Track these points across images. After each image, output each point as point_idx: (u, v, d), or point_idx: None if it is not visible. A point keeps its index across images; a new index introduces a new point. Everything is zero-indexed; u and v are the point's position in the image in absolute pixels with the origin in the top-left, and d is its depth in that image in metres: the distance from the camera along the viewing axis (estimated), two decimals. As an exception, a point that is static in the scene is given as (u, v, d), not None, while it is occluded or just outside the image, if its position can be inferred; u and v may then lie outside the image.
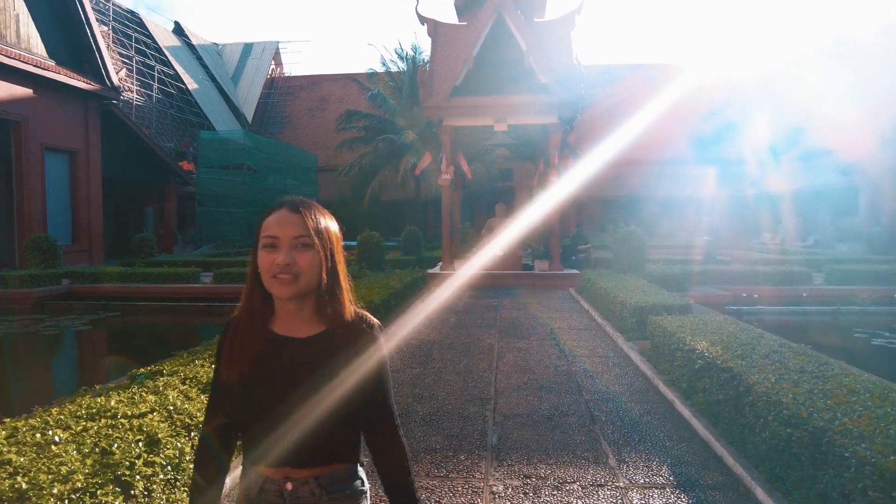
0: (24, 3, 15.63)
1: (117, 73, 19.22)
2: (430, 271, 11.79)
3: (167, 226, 23.50)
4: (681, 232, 23.29)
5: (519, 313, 8.52)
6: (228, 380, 1.20)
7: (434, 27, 12.65)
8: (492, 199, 21.16)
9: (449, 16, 15.10)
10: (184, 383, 3.50)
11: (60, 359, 7.96)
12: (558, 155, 11.56)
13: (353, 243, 22.43)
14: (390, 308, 7.63)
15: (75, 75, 16.82)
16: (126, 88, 26.77)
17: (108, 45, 26.89)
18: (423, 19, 12.74)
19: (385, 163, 23.86)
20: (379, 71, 26.36)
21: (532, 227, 12.59)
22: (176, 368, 3.71)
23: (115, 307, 10.44)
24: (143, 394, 3.25)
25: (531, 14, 12.31)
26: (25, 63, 14.95)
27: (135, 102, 25.88)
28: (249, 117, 35.16)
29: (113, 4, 28.55)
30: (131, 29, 28.70)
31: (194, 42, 34.80)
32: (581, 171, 12.10)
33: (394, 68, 26.13)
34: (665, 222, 25.29)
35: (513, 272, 12.21)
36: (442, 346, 6.36)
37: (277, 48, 38.99)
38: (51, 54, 16.42)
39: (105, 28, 27.48)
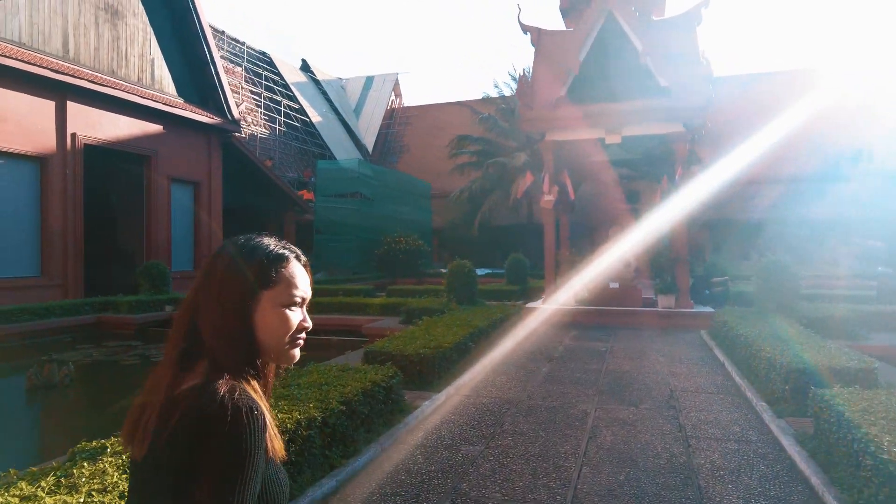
0: (159, 49, 16.87)
1: (238, 106, 20.26)
2: (528, 305, 10.41)
3: (285, 252, 24.29)
4: (840, 259, 19.58)
5: (631, 364, 6.89)
6: (268, 475, 0.96)
7: (537, 36, 11.48)
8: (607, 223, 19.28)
9: (557, 23, 13.87)
10: (126, 472, 2.58)
11: (107, 395, 7.59)
12: (684, 168, 9.74)
13: (481, 272, 21.74)
14: (466, 352, 6.43)
15: (200, 111, 17.83)
16: (254, 123, 28.60)
17: (241, 85, 29.02)
18: (525, 28, 11.63)
19: (495, 187, 22.90)
20: (492, 95, 25.71)
21: (654, 255, 10.79)
22: (122, 448, 2.81)
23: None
24: (62, 483, 2.38)
25: (648, 11, 10.70)
26: (157, 102, 16.02)
27: (259, 136, 27.44)
28: (370, 147, 36.17)
29: (247, 47, 30.85)
30: (261, 68, 30.77)
31: (319, 78, 36.70)
32: (712, 188, 10.12)
33: (506, 91, 25.37)
34: (818, 248, 21.51)
35: (629, 309, 10.45)
36: (520, 409, 5.02)
37: (397, 79, 40.02)
38: (179, 93, 17.56)
39: (239, 69, 29.73)
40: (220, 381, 0.92)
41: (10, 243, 13.00)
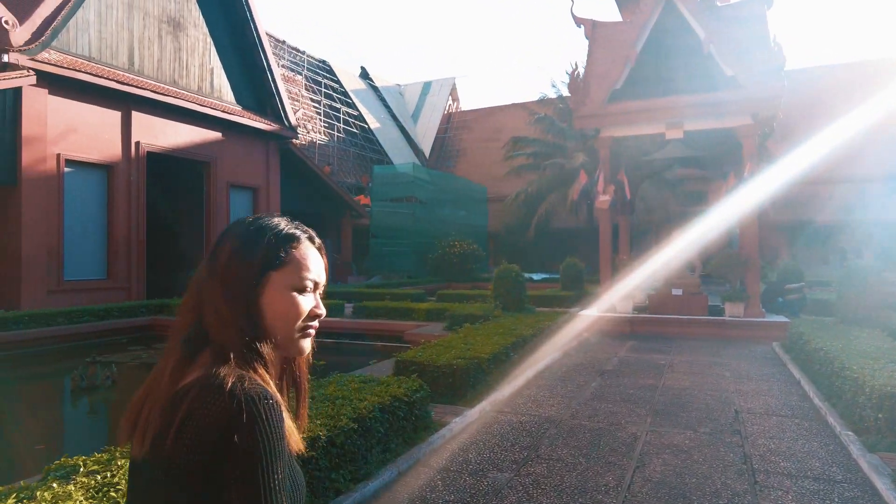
0: (218, 59, 17.35)
1: (294, 112, 20.58)
2: (581, 312, 9.79)
3: (342, 256, 24.54)
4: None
5: (692, 380, 6.23)
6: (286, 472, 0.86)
7: (591, 28, 10.88)
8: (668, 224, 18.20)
9: (613, 14, 13.14)
10: (95, 495, 2.34)
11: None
12: (753, 164, 8.88)
13: (537, 277, 21.21)
14: (506, 363, 5.98)
15: (258, 118, 18.22)
16: (313, 130, 29.15)
17: (301, 93, 29.67)
18: (579, 21, 11.06)
19: (552, 189, 22.23)
20: (550, 96, 25.05)
21: (720, 259, 9.95)
22: (98, 468, 2.57)
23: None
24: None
25: (713, -4, 9.90)
26: (216, 110, 16.46)
27: (318, 142, 27.91)
28: (427, 152, 36.22)
29: (307, 56, 31.53)
30: (321, 76, 31.35)
31: (378, 84, 37.09)
32: (785, 185, 9.19)
33: (564, 90, 24.61)
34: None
35: (693, 317, 9.64)
36: (560, 430, 4.54)
37: (454, 84, 39.92)
38: (238, 101, 17.99)
39: (299, 77, 30.42)
40: (226, 371, 0.84)
41: (82, 247, 13.61)
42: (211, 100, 16.83)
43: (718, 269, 10.03)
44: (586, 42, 11.04)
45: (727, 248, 10.43)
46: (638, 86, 9.48)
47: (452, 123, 38.72)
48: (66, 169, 13.08)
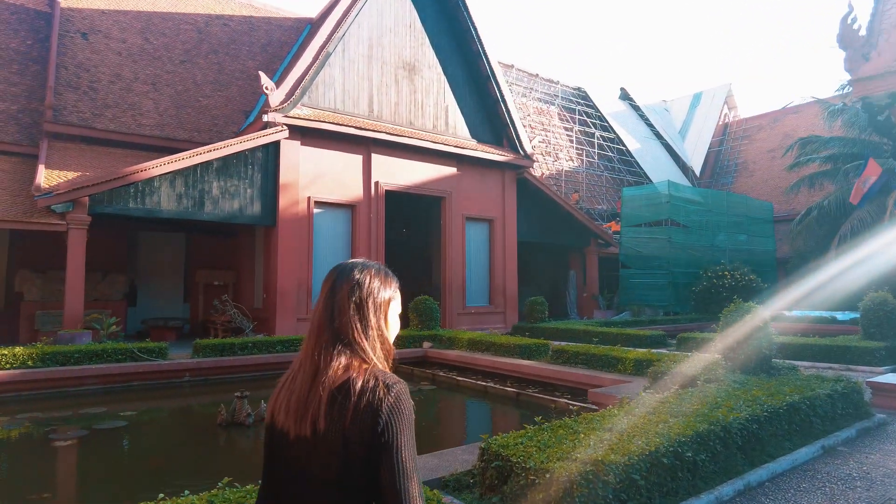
0: (452, 95, 17.83)
1: (531, 140, 19.88)
2: (878, 381, 6.34)
3: (588, 289, 22.70)
4: None
5: None
6: None
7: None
8: None
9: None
10: None
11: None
12: None
13: (842, 317, 16.17)
14: (680, 477, 3.75)
15: (492, 149, 18.07)
16: (566, 158, 28.20)
17: (553, 123, 29.13)
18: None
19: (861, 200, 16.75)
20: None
21: None
22: None
23: (452, 378, 9.60)
24: None
25: None
26: (449, 146, 16.82)
27: (564, 169, 26.81)
28: (698, 169, 32.05)
29: (562, 86, 31.00)
30: (575, 103, 30.41)
31: (639, 103, 34.51)
32: None
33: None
34: None
35: None
36: None
37: (729, 90, 34.74)
38: (472, 134, 18.15)
39: (553, 108, 30.00)
40: (376, 369, 1.27)
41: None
42: (445, 137, 17.27)
43: None
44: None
45: None
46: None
47: (729, 135, 33.54)
48: (315, 210, 14.63)
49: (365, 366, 1.24)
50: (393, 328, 1.36)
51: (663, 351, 9.28)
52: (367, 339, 1.27)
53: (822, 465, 4.29)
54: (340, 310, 1.27)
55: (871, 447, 4.85)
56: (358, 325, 1.27)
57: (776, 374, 6.15)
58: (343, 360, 1.23)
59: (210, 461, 5.59)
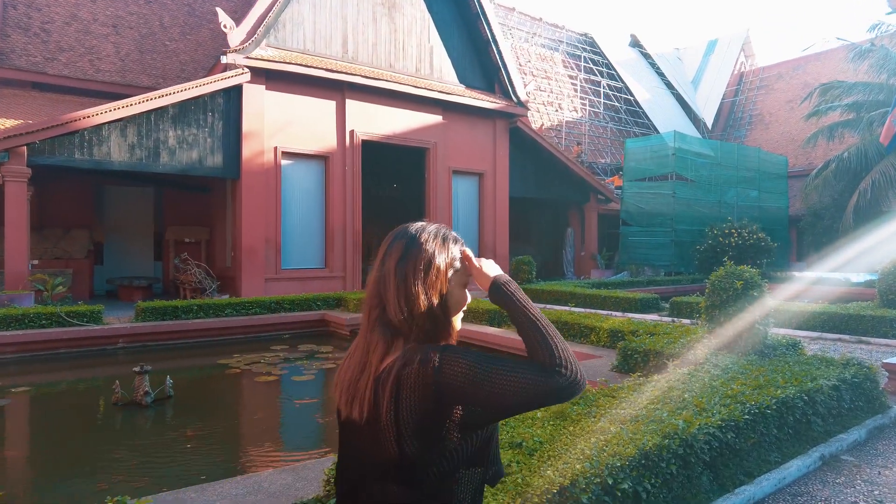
0: (438, 36, 16.32)
1: (525, 86, 18.38)
2: (893, 361, 5.30)
3: (587, 247, 21.53)
4: None
5: None
6: None
7: None
8: None
9: None
10: None
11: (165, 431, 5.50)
12: None
13: (858, 279, 14.89)
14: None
15: (481, 95, 16.67)
16: (569, 108, 26.55)
17: (557, 71, 27.36)
18: None
19: (883, 154, 15.29)
20: (884, 21, 17.46)
21: None
22: None
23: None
24: None
25: None
26: (433, 91, 15.44)
27: (567, 120, 25.25)
28: (710, 122, 30.24)
29: (567, 31, 29.03)
30: (580, 50, 28.52)
31: (650, 52, 32.37)
32: None
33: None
34: None
35: None
36: None
37: (747, 37, 32.45)
38: (460, 79, 16.71)
39: (556, 55, 28.16)
40: (422, 349, 1.11)
41: (302, 237, 14.02)
42: (430, 81, 15.88)
43: None
44: None
45: None
46: None
47: (745, 85, 31.50)
48: (283, 161, 13.48)
49: (412, 349, 1.11)
50: (455, 301, 1.19)
51: (649, 318, 8.24)
52: (413, 318, 1.13)
53: (819, 487, 3.23)
54: (387, 282, 1.16)
55: (885, 455, 3.72)
56: (402, 302, 1.13)
57: (771, 353, 5.07)
58: (390, 341, 1.14)
59: (84, 453, 4.68)
